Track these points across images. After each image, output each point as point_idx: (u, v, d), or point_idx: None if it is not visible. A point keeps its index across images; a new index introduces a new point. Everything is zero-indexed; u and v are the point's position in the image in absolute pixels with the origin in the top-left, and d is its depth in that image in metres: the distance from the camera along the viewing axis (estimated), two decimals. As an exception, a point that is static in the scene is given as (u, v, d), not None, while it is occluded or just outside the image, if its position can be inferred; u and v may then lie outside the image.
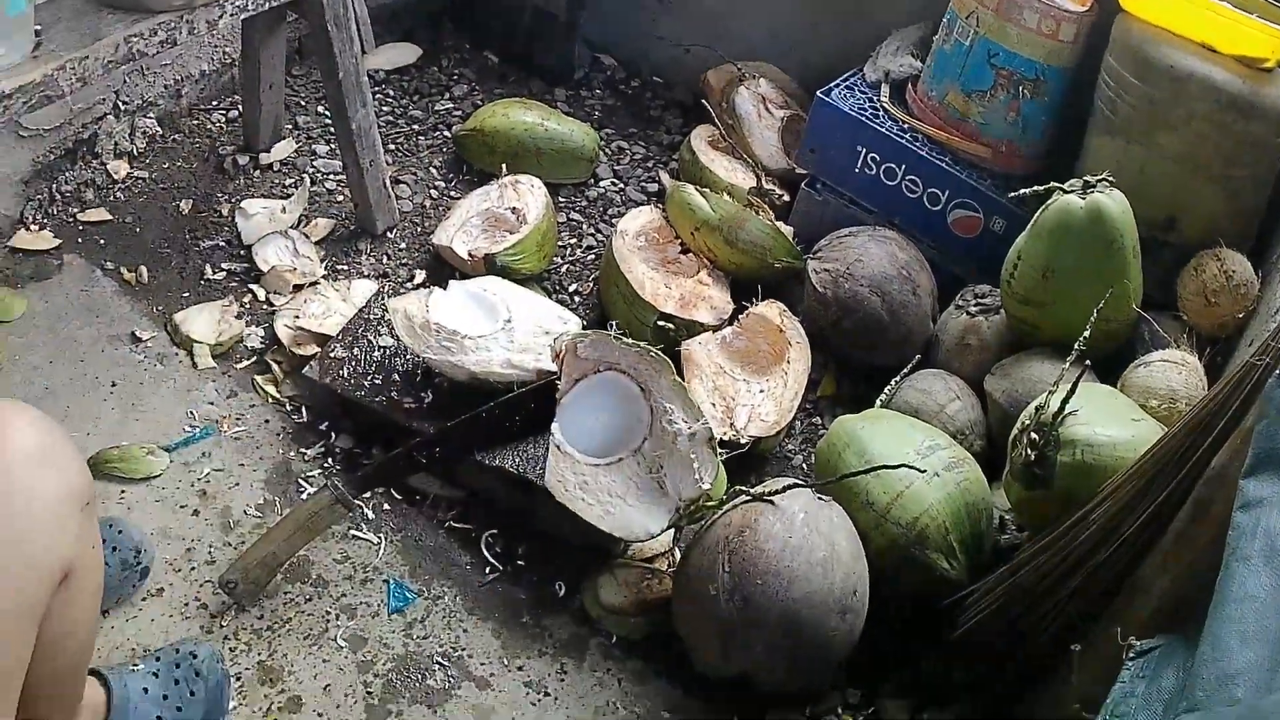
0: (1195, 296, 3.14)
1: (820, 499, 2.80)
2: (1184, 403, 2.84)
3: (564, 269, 3.80)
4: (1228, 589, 1.73)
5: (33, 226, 3.65)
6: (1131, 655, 2.07)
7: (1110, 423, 2.62)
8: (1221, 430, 2.15)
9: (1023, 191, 3.09)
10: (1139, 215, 3.03)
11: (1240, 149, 3.11)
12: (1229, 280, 3.08)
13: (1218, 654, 1.67)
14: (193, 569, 2.94)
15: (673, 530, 3.03)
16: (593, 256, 3.86)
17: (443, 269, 3.74)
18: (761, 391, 3.38)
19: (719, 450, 3.00)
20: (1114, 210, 2.97)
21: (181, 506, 3.05)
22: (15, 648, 1.96)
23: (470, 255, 3.57)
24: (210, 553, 2.97)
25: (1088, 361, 2.68)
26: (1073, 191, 3.00)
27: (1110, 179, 3.01)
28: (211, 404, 3.28)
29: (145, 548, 2.82)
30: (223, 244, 3.72)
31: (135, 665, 2.59)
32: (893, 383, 3.31)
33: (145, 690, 2.56)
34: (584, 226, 3.96)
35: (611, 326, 3.26)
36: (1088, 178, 3.02)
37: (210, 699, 2.63)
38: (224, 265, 3.66)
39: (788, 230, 3.73)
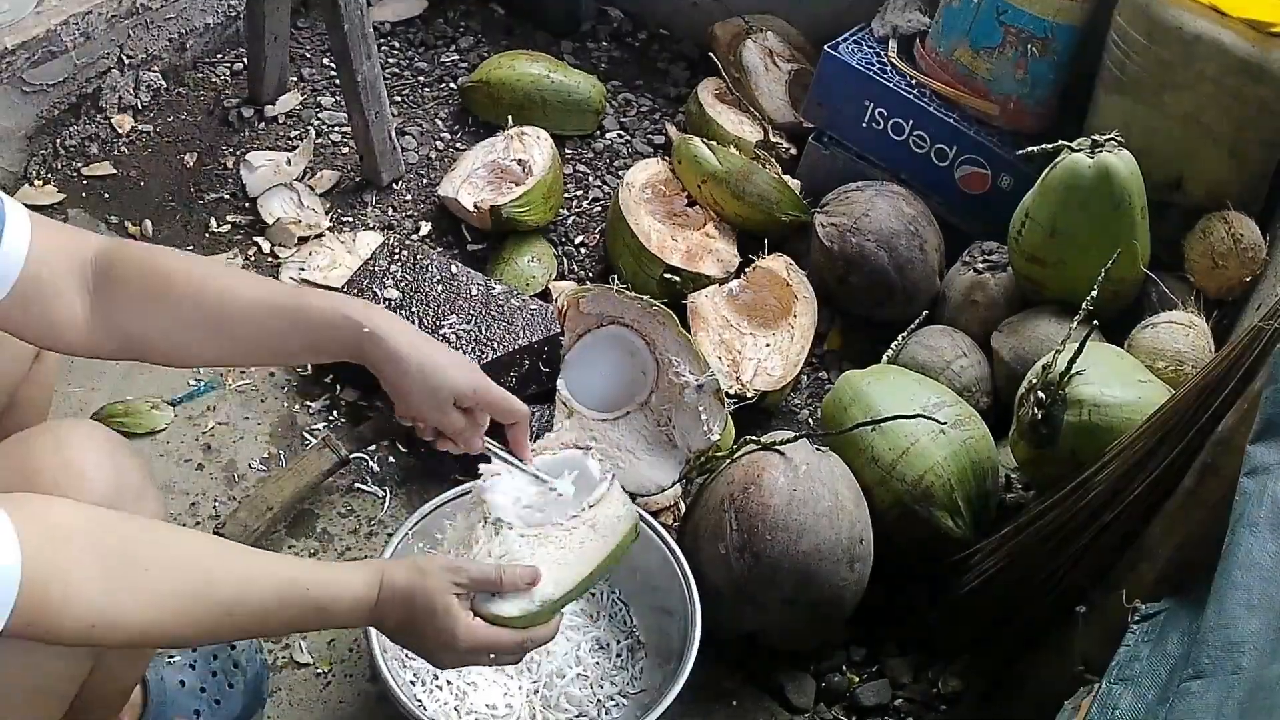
0: (1202, 259, 3.12)
1: (818, 450, 2.80)
2: (1191, 365, 2.83)
3: (570, 221, 3.79)
4: (1234, 555, 1.72)
5: (37, 182, 3.66)
6: (1136, 618, 2.07)
7: (1117, 383, 2.62)
8: (1229, 394, 2.14)
9: (1030, 149, 3.08)
10: (1146, 175, 3.01)
11: (1248, 112, 3.08)
12: (1236, 243, 3.06)
13: (1223, 621, 1.67)
14: (197, 523, 2.96)
15: (682, 483, 3.02)
16: (599, 209, 3.85)
17: (448, 220, 3.74)
18: (768, 345, 3.37)
19: (726, 402, 3.00)
20: (1122, 170, 2.95)
21: (186, 460, 3.07)
22: (72, 668, 1.94)
23: (476, 207, 3.57)
24: (215, 507, 2.99)
25: (1095, 321, 2.67)
26: (1081, 150, 2.98)
27: (1118, 138, 2.99)
28: (216, 357, 3.28)
29: None
30: (227, 197, 3.72)
31: (172, 657, 2.56)
32: (899, 338, 3.29)
33: (182, 683, 2.54)
34: (590, 178, 3.95)
35: (613, 281, 3.25)
36: (1096, 136, 2.99)
37: (249, 690, 2.62)
38: (229, 218, 3.67)
39: (795, 184, 3.72)
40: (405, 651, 2.55)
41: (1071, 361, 2.58)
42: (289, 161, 3.79)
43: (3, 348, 2.11)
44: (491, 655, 2.09)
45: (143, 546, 1.76)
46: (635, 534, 2.37)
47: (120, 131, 3.86)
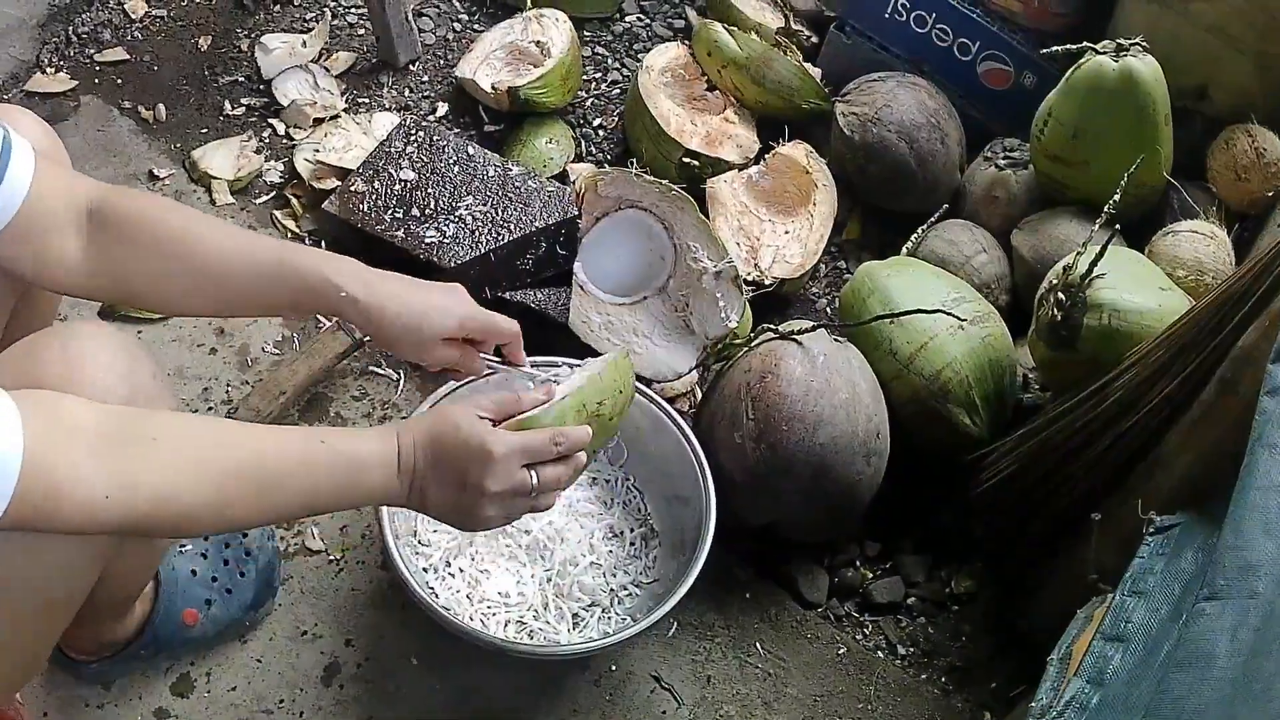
0: (1225, 170, 3.11)
1: (837, 340, 2.80)
2: (1211, 276, 2.83)
3: (588, 103, 3.76)
4: (1252, 477, 1.71)
5: (49, 70, 3.63)
6: (1151, 530, 2.07)
7: (1138, 290, 2.60)
8: (1251, 309, 2.12)
9: (1054, 49, 3.05)
10: (1170, 82, 2.98)
11: (1274, 25, 3.05)
12: (1260, 157, 3.05)
13: (1239, 543, 1.66)
14: (210, 408, 2.97)
15: (697, 370, 3.01)
16: (618, 91, 3.81)
17: (465, 102, 3.71)
18: (787, 233, 3.36)
19: (744, 289, 2.98)
20: (1147, 75, 2.92)
21: (199, 345, 3.06)
22: (78, 582, 1.94)
23: (494, 88, 3.54)
24: (227, 391, 2.99)
25: (1117, 225, 2.65)
26: (1105, 53, 2.95)
27: (1143, 44, 2.96)
28: (229, 240, 3.27)
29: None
30: (242, 79, 3.69)
31: (183, 546, 2.58)
32: (919, 231, 3.27)
33: (194, 572, 2.56)
34: (609, 61, 3.90)
35: (631, 164, 3.23)
36: (1121, 40, 2.96)
37: (261, 578, 2.64)
38: (243, 101, 3.64)
39: (815, 72, 3.68)
40: (418, 538, 2.58)
41: (1093, 264, 2.56)
42: (304, 43, 3.76)
43: None
44: (534, 486, 1.98)
45: (151, 423, 1.74)
46: (627, 356, 2.33)
47: (133, 16, 3.82)
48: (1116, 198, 2.71)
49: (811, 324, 2.80)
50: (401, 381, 3.06)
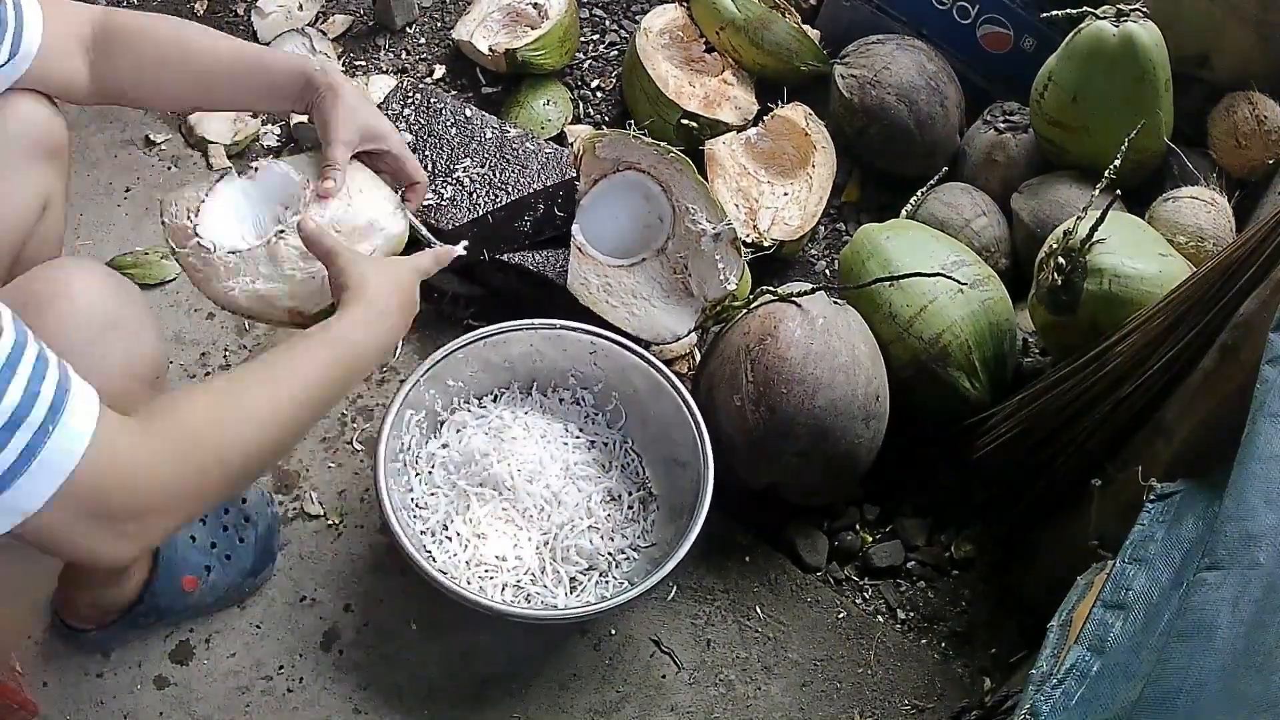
0: (1225, 137, 3.11)
1: (836, 303, 2.78)
2: (1211, 242, 2.82)
3: (586, 65, 3.74)
4: (1254, 446, 1.71)
5: (47, 36, 3.60)
6: (1152, 498, 2.07)
7: (1138, 255, 2.59)
8: (1252, 276, 2.12)
9: (1054, 13, 3.05)
10: (1171, 49, 2.97)
11: (1275, -7, 3.05)
12: (1260, 125, 3.05)
13: (1241, 512, 1.66)
14: (207, 373, 2.98)
15: (696, 333, 3.01)
16: (616, 53, 3.79)
17: (463, 64, 3.69)
18: (785, 195, 3.35)
19: (743, 251, 2.97)
20: (1147, 41, 2.91)
21: (196, 310, 3.06)
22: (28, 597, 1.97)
23: (491, 50, 3.52)
24: (225, 357, 2.99)
25: (1117, 190, 2.64)
26: (1106, 18, 2.94)
27: (1144, 9, 2.95)
28: (226, 205, 3.27)
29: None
30: (239, 44, 3.67)
31: None
32: (919, 193, 3.26)
33: (193, 539, 2.55)
34: (607, 22, 3.88)
35: (629, 126, 3.22)
36: (1121, 5, 2.96)
37: (260, 545, 2.64)
38: (241, 65, 3.61)
39: (814, 34, 3.66)
40: (415, 502, 2.63)
41: (1093, 229, 2.55)
42: (300, 6, 3.74)
43: (6, 204, 2.11)
44: None
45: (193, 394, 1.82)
46: None
47: (130, -19, 3.82)
48: (1117, 163, 2.71)
49: (811, 286, 2.80)
50: (399, 346, 3.03)
